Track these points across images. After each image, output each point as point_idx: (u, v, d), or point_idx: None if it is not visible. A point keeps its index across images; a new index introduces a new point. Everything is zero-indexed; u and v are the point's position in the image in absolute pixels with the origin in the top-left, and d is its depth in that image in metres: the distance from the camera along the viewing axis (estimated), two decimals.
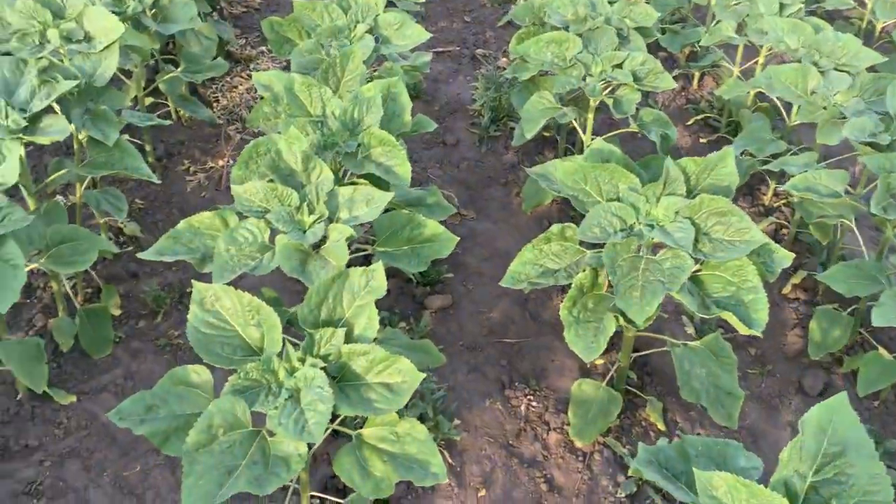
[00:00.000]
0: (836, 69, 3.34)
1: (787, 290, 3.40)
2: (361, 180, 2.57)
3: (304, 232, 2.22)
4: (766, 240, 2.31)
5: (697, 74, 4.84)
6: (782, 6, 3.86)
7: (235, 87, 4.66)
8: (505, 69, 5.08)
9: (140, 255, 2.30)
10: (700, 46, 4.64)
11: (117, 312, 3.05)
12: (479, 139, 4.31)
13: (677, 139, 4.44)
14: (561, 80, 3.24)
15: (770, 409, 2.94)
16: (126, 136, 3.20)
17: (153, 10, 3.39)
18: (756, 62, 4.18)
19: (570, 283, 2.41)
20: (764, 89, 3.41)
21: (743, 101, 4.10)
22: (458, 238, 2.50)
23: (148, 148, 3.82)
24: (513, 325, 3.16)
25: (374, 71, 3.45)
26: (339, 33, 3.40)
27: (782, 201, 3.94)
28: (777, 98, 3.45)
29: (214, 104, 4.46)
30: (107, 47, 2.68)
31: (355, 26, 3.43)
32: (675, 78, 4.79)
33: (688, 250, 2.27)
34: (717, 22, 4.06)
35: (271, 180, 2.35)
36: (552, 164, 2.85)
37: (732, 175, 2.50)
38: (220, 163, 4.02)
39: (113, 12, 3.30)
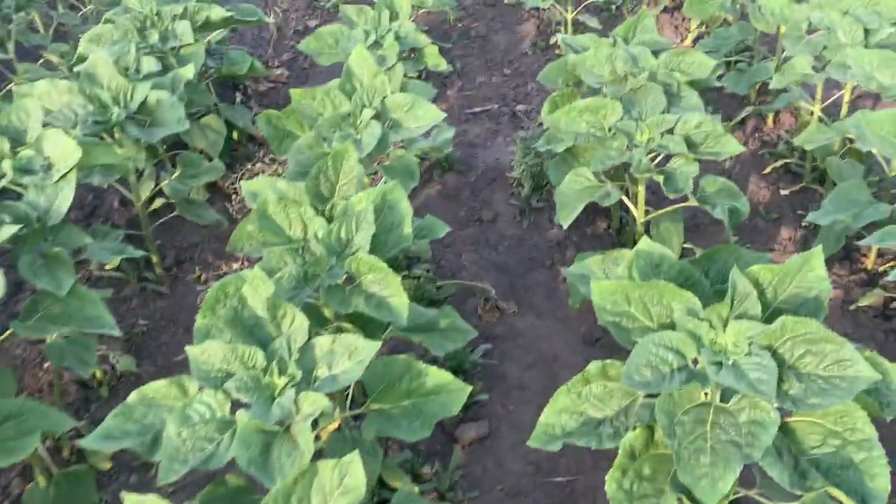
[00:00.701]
0: None
1: None
2: (347, 324, 2.12)
3: (271, 405, 1.77)
4: (876, 376, 1.71)
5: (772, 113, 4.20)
6: (867, 32, 3.22)
7: (257, 174, 4.33)
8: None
9: (81, 444, 1.90)
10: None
11: (107, 466, 2.68)
12: (520, 212, 3.81)
13: (753, 191, 3.81)
14: (600, 155, 2.72)
15: None
16: (129, 247, 2.88)
17: (139, 115, 3.07)
18: (842, 97, 3.54)
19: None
20: (855, 139, 2.79)
21: (829, 148, 3.45)
22: (470, 388, 2.00)
23: (154, 259, 3.49)
24: (563, 457, 2.61)
25: (383, 163, 3.02)
26: (342, 122, 3.00)
27: (889, 264, 3.26)
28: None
29: (233, 197, 4.12)
30: (63, 176, 2.35)
31: (361, 112, 3.02)
32: (745, 118, 4.19)
33: (770, 397, 1.70)
34: (789, 58, 3.45)
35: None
36: (589, 263, 2.34)
37: (822, 281, 1.91)
38: (235, 266, 3.66)
39: (96, 122, 3.02)
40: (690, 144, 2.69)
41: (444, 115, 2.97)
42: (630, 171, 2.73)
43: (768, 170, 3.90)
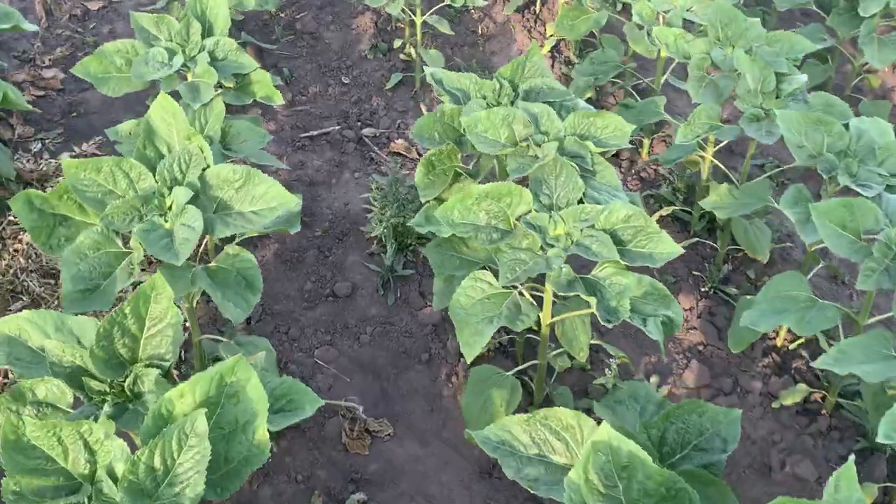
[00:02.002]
0: None
1: None
2: None
3: None
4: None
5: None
6: (779, 78, 2.82)
7: (7, 239, 3.16)
8: (403, 155, 3.87)
9: None
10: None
11: None
12: (383, 283, 3.09)
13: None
14: (507, 261, 2.06)
15: None
16: None
17: None
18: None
19: None
20: (798, 230, 2.38)
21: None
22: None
23: None
24: None
25: (214, 264, 2.16)
26: (143, 207, 2.10)
27: (799, 341, 2.94)
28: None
29: None
30: None
31: (170, 191, 2.13)
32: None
33: None
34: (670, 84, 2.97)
35: None
36: (511, 425, 1.74)
37: None
38: None
39: None
40: (617, 241, 2.11)
41: (295, 198, 2.16)
42: (546, 283, 2.11)
43: (654, 218, 3.47)
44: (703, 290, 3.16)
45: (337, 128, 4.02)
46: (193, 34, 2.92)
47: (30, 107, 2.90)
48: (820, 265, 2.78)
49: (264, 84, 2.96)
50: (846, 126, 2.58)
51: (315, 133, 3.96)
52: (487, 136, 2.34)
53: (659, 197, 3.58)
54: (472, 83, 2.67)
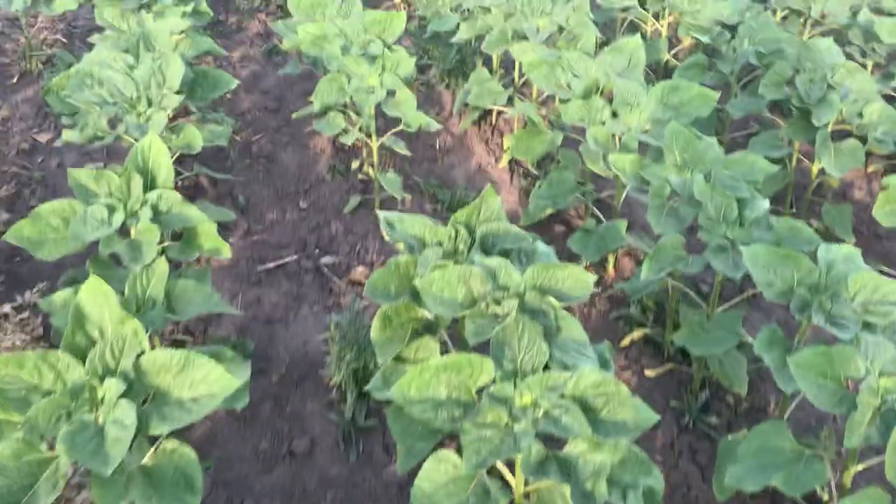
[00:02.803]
0: None
1: None
2: None
3: None
4: None
5: None
6: (741, 204, 2.76)
7: None
8: (363, 284, 3.73)
9: None
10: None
11: None
12: (344, 436, 2.90)
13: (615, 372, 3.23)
14: (472, 442, 1.90)
15: None
16: None
17: None
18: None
19: None
20: (775, 376, 2.26)
21: None
22: None
23: None
24: None
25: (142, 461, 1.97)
26: (72, 404, 1.92)
27: None
28: None
29: None
30: None
31: (102, 382, 1.96)
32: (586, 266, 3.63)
33: None
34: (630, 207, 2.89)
35: None
36: None
37: None
38: None
39: None
40: (588, 409, 1.96)
41: (238, 381, 2.00)
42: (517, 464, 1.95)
43: (626, 342, 3.35)
44: (682, 422, 3.01)
45: (294, 257, 3.89)
46: (135, 188, 2.80)
47: None
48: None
49: (210, 236, 2.83)
50: (815, 254, 2.51)
51: (272, 265, 3.82)
52: (444, 295, 2.22)
53: (629, 318, 3.47)
54: (427, 230, 2.56)
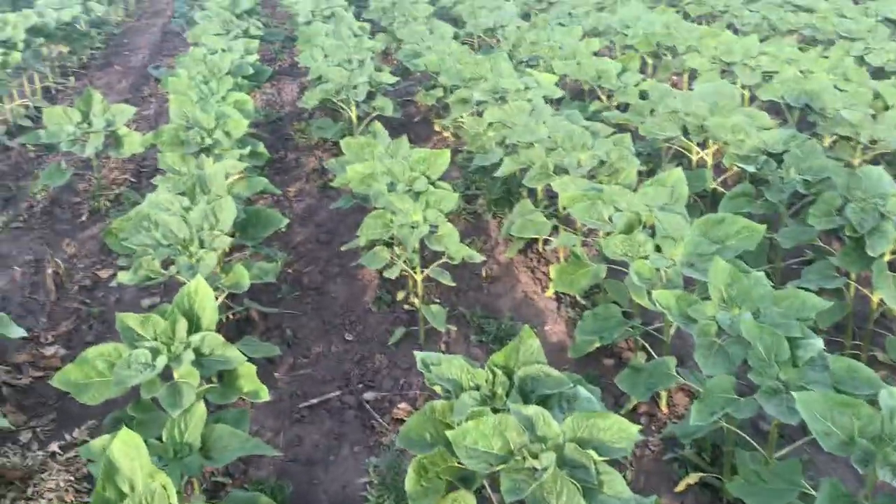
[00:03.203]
0: None
1: None
2: None
3: None
4: None
5: None
6: (792, 344, 2.63)
7: None
8: (405, 422, 3.66)
9: None
10: None
11: None
12: None
13: None
14: None
15: None
16: None
17: None
18: None
19: None
20: None
21: None
22: None
23: None
24: None
25: None
26: None
27: None
28: None
29: None
30: None
31: None
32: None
33: None
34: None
35: None
36: None
37: None
38: None
39: None
40: None
41: None
42: None
43: (681, 487, 3.16)
44: None
45: (337, 393, 3.86)
46: (179, 331, 2.85)
47: (4, 422, 2.73)
48: None
49: (250, 378, 2.85)
50: (875, 398, 2.35)
51: (315, 401, 3.80)
52: (478, 448, 2.14)
53: (684, 460, 3.28)
54: (464, 373, 2.52)
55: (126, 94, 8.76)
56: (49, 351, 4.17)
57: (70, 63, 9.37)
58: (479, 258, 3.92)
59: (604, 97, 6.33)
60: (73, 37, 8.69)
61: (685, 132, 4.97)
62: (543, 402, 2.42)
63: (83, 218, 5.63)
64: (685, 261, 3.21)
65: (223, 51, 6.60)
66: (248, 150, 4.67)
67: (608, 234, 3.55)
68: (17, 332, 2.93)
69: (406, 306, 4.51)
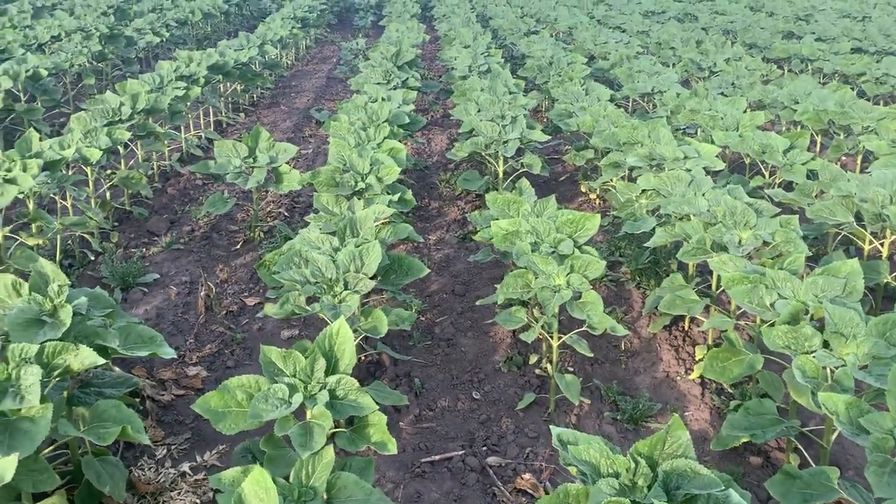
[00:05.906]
0: None
1: None
2: None
3: None
4: None
5: None
6: None
7: None
8: (530, 494, 3.50)
9: None
10: None
11: None
12: None
13: None
14: None
15: None
16: None
17: None
18: None
19: None
20: None
21: None
22: None
23: None
24: None
25: None
26: None
27: None
28: None
29: None
30: None
31: None
32: None
33: None
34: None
35: None
36: None
37: None
38: None
39: None
40: None
41: None
42: None
43: None
44: None
45: (460, 453, 3.75)
46: (317, 371, 2.87)
47: (146, 439, 2.83)
48: None
49: (380, 429, 2.81)
50: None
51: (437, 458, 3.71)
52: None
53: None
54: (603, 457, 2.35)
55: (289, 133, 9.28)
56: (192, 371, 4.35)
57: (242, 100, 10.08)
58: (622, 331, 3.73)
59: (766, 173, 5.99)
60: (247, 76, 9.34)
61: (858, 219, 4.58)
62: (688, 501, 2.21)
63: (238, 246, 5.93)
64: (858, 362, 2.89)
65: (383, 99, 6.84)
66: (397, 196, 4.75)
67: (766, 321, 3.28)
68: (169, 353, 3.05)
69: (538, 371, 4.37)
